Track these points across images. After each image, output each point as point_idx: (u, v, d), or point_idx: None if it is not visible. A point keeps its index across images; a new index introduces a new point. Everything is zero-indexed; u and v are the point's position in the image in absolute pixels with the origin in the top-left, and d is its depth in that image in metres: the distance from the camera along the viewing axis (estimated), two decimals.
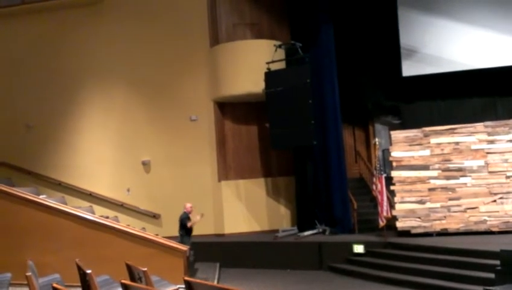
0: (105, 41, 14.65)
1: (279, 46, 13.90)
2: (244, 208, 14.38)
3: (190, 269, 10.12)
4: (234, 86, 14.00)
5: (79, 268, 6.86)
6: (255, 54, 13.96)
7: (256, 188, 14.59)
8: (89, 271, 6.39)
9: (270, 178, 14.78)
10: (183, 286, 5.69)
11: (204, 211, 13.98)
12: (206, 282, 6.12)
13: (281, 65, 13.98)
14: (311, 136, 13.07)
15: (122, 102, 14.65)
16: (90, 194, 14.20)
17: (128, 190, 14.42)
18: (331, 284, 10.45)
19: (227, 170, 14.61)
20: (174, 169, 14.49)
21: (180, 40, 14.67)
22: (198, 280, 6.71)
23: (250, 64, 13.89)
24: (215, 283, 9.62)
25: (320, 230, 13.40)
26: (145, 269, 6.45)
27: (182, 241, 10.78)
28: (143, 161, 14.55)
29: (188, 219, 11.31)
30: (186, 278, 5.79)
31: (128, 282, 5.50)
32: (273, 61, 13.62)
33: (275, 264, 12.14)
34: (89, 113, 14.71)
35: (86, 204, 13.43)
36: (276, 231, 13.66)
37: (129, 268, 6.91)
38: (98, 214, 11.45)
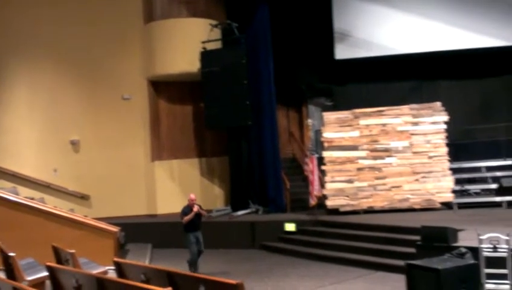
0: (33, 21, 13.86)
1: (215, 26, 13.77)
2: (178, 188, 14.29)
3: (121, 251, 9.96)
4: (169, 64, 13.76)
5: (1, 251, 6.57)
6: (190, 32, 13.75)
7: (190, 168, 14.52)
8: (12, 254, 6.14)
9: (205, 158, 14.75)
10: (113, 267, 5.61)
11: (136, 192, 13.75)
12: (136, 262, 6.06)
13: (217, 45, 13.87)
14: (246, 117, 13.14)
15: (50, 81, 14.03)
16: (13, 175, 13.54)
17: (55, 170, 13.89)
18: (263, 262, 10.66)
19: (160, 150, 14.42)
20: (105, 149, 14.11)
21: (113, 17, 14.16)
22: (128, 261, 6.65)
23: (186, 43, 13.68)
24: (147, 263, 9.53)
25: (254, 209, 13.59)
26: (73, 251, 6.29)
27: (184, 240, 9.49)
28: (71, 140, 14.05)
29: (185, 213, 9.48)
30: (116, 259, 5.72)
31: (53, 265, 5.34)
32: (208, 41, 13.49)
33: (209, 243, 12.06)
34: (14, 92, 13.95)
35: (9, 185, 12.81)
36: (210, 211, 13.68)
37: (56, 251, 6.71)
38: (22, 195, 10.96)
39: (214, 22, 13.85)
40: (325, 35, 14.83)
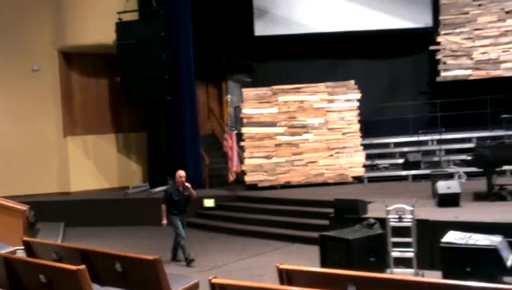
0: None
1: None
2: (93, 165, 13.80)
3: (31, 230, 9.48)
4: (82, 35, 13.06)
5: None
6: (105, 2, 13.11)
7: (105, 143, 14.05)
8: None
9: (121, 134, 14.33)
10: (23, 247, 5.34)
11: (47, 169, 13.08)
12: (46, 241, 5.81)
13: (134, 16, 13.37)
14: (165, 91, 12.88)
15: None
16: None
17: None
18: None
19: (73, 125, 13.78)
20: (14, 124, 13.24)
21: None
22: (38, 240, 6.36)
23: (100, 12, 13.03)
24: (59, 242, 9.17)
25: None
26: None
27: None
28: None
29: (169, 195, 8.56)
30: (25, 238, 5.44)
31: None
32: (125, 12, 12.96)
33: (126, 221, 11.97)
34: None
35: None
36: (127, 187, 13.41)
37: None
38: None
39: None
40: (245, 11, 14.78)
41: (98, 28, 12.98)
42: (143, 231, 11.38)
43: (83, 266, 3.79)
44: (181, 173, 8.65)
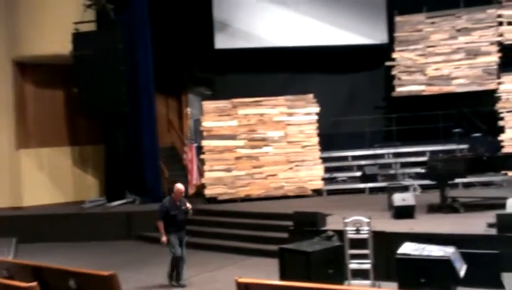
0: None
1: (89, 6, 13.03)
2: (47, 178, 13.41)
3: None
4: (37, 45, 12.76)
5: None
6: (61, 11, 12.85)
7: (61, 157, 13.69)
8: None
9: (78, 146, 14.01)
10: None
11: None
12: None
13: (91, 27, 13.15)
14: (123, 103, 12.70)
15: None
16: None
17: None
18: (139, 253, 10.45)
19: (27, 137, 13.38)
20: None
21: None
22: None
23: (56, 22, 12.77)
24: (10, 258, 8.80)
25: (130, 200, 13.23)
26: None
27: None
28: None
29: (165, 210, 7.76)
30: None
31: None
32: (82, 22, 12.74)
33: (81, 236, 11.64)
34: None
35: None
36: (83, 201, 13.08)
37: None
38: None
39: (88, 2, 13.10)
40: (206, 24, 14.81)
41: (53, 38, 12.69)
42: (99, 247, 11.09)
43: (34, 283, 3.65)
44: (181, 188, 7.88)
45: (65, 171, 13.67)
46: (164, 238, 7.73)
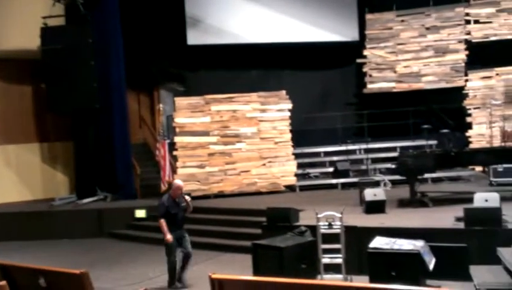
0: None
1: (58, 1, 12.75)
2: (14, 176, 13.13)
3: None
4: (4, 39, 12.44)
5: None
6: (30, 5, 12.57)
7: (29, 153, 13.40)
8: None
9: (46, 143, 13.74)
10: None
11: None
12: None
13: (60, 21, 12.91)
14: (93, 99, 12.51)
15: None
16: None
17: None
18: (111, 250, 10.34)
19: None
20: None
21: None
22: None
23: (23, 16, 12.48)
24: None
25: (102, 197, 13.05)
26: None
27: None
28: None
29: (166, 209, 7.36)
30: None
31: None
32: (50, 16, 12.48)
33: (52, 234, 11.45)
34: None
35: None
36: (53, 199, 12.84)
37: None
38: None
39: None
40: (178, 20, 14.68)
41: (20, 33, 12.41)
42: (70, 245, 10.93)
43: (3, 282, 3.59)
44: (180, 185, 7.62)
45: (33, 168, 13.40)
46: (169, 236, 7.26)
